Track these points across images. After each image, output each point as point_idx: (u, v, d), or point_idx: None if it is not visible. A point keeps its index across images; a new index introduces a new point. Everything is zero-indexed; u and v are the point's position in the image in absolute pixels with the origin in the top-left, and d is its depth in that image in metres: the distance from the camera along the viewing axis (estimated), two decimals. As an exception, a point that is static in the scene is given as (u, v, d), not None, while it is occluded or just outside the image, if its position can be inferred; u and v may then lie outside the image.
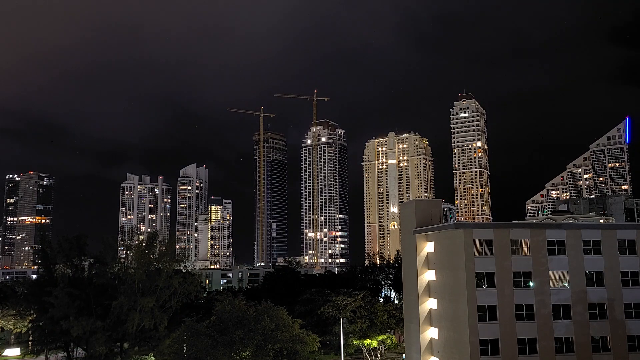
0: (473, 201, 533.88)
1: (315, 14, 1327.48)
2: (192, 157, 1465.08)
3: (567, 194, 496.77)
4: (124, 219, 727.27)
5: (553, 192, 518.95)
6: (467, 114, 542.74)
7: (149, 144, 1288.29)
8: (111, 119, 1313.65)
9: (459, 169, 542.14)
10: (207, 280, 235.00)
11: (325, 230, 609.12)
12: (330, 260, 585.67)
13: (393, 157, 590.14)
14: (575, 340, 61.84)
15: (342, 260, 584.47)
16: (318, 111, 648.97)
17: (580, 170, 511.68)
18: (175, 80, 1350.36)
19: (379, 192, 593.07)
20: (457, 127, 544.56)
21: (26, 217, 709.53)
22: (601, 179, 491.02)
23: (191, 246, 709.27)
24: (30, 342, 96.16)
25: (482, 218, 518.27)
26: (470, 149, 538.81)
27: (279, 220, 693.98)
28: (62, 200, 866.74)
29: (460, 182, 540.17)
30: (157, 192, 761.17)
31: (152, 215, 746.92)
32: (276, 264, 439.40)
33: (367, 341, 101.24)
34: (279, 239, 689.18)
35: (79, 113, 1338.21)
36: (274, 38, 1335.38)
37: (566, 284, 63.26)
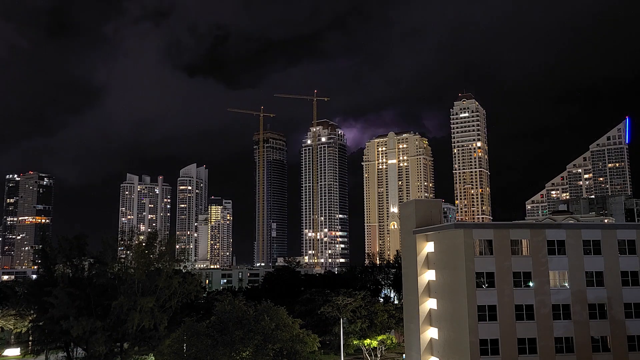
0: (473, 201, 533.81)
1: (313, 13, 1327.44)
2: (192, 157, 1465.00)
3: (567, 194, 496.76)
4: (124, 219, 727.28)
5: (553, 192, 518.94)
6: (467, 114, 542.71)
7: (148, 143, 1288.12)
8: (111, 117, 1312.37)
9: (459, 169, 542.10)
10: (207, 280, 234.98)
11: (325, 230, 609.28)
12: (330, 260, 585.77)
13: (393, 157, 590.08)
14: (575, 340, 61.82)
15: (342, 260, 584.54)
16: (318, 111, 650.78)
17: (580, 170, 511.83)
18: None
19: (379, 192, 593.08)
20: (457, 127, 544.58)
21: (26, 217, 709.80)
22: (601, 179, 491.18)
23: (191, 246, 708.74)
24: (30, 342, 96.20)
25: (482, 218, 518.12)
26: (470, 149, 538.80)
27: (279, 220, 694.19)
28: (62, 200, 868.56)
29: (460, 182, 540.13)
30: (157, 192, 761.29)
31: (152, 215, 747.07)
32: (276, 264, 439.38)
33: (367, 341, 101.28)
34: (279, 239, 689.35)
35: (79, 113, 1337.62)
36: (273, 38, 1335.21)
37: (566, 284, 63.24)
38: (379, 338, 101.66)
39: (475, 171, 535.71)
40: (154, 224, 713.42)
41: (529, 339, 61.13)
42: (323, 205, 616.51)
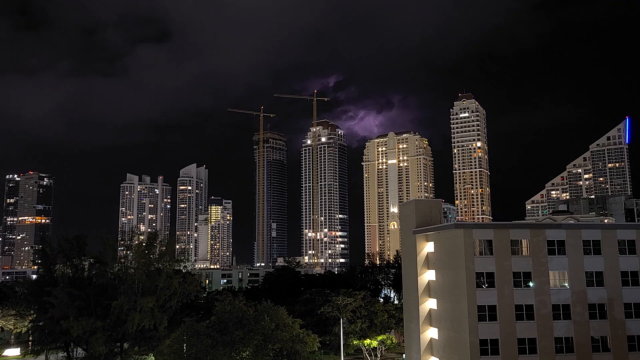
0: (473, 201, 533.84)
1: (312, 14, 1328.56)
2: (192, 157, 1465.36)
3: (567, 194, 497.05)
4: (124, 219, 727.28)
5: (553, 192, 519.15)
6: (467, 114, 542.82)
7: (148, 143, 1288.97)
8: (112, 117, 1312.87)
9: (459, 169, 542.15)
10: (207, 280, 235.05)
11: (325, 230, 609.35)
12: (330, 260, 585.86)
13: (393, 157, 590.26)
14: (575, 340, 61.85)
15: (342, 260, 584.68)
16: (318, 111, 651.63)
17: (580, 170, 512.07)
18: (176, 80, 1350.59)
19: (379, 192, 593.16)
20: (457, 127, 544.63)
21: (26, 217, 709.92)
22: (601, 179, 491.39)
23: (191, 246, 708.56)
24: (30, 342, 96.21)
25: (482, 218, 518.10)
26: (470, 149, 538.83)
27: (279, 220, 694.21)
28: (62, 200, 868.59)
29: (460, 182, 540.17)
30: (157, 192, 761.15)
31: (152, 216, 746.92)
32: (276, 264, 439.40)
33: (367, 341, 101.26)
34: (279, 239, 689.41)
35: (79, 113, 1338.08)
36: (273, 37, 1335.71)
37: (566, 284, 63.26)
38: (379, 338, 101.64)
39: (475, 171, 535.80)
40: (154, 224, 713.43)
41: (529, 339, 61.15)
42: (323, 205, 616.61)
